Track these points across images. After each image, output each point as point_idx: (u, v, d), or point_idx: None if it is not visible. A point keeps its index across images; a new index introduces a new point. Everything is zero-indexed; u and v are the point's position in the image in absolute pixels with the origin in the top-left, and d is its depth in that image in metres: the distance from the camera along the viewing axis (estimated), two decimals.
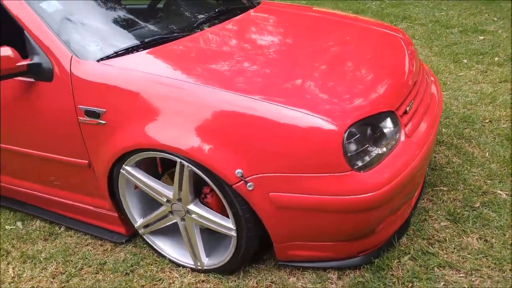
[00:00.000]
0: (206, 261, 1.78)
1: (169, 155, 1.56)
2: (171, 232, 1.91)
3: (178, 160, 1.55)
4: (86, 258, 1.96)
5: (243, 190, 1.49)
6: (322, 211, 1.47)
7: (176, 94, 1.55)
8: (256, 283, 1.72)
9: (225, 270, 1.76)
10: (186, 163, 1.54)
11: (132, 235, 2.02)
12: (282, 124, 1.43)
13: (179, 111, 1.54)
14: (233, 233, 1.61)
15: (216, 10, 2.27)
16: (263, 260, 1.84)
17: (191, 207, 1.68)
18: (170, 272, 1.83)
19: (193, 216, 1.69)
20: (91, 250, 2.01)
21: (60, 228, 2.19)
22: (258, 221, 1.58)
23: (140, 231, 1.89)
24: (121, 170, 1.71)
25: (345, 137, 1.40)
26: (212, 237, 1.83)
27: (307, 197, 1.47)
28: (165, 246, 1.88)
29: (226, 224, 1.62)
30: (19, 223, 2.27)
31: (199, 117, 1.51)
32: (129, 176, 1.72)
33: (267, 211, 1.52)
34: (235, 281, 1.74)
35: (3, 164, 2.17)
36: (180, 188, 1.64)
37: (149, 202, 1.89)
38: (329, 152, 1.40)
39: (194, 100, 1.52)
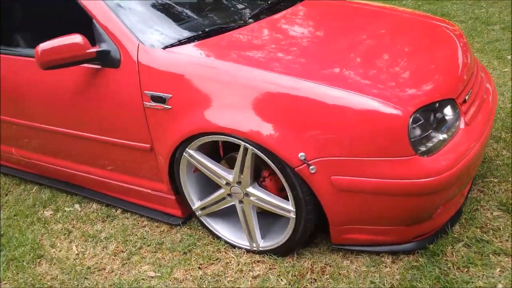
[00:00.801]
0: (262, 243, 1.84)
1: (234, 139, 1.63)
2: (226, 214, 1.98)
3: (242, 143, 1.62)
4: (144, 238, 2.06)
5: (305, 173, 1.55)
6: (384, 194, 1.52)
7: (239, 80, 1.62)
8: (311, 264, 1.78)
9: (279, 252, 1.83)
10: (250, 147, 1.61)
11: (187, 218, 2.11)
12: (345, 108, 1.48)
13: (244, 96, 1.61)
14: (292, 215, 1.67)
15: (269, 2, 2.34)
16: (315, 243, 1.89)
17: (250, 189, 1.74)
18: (226, 252, 1.90)
19: (252, 198, 1.76)
20: (148, 231, 2.11)
21: (116, 211, 2.29)
22: (317, 204, 1.63)
23: (197, 213, 1.97)
24: (184, 154, 1.79)
25: (410, 122, 1.44)
26: (265, 221, 1.89)
27: (370, 180, 1.52)
28: (221, 228, 1.96)
29: (286, 206, 1.68)
30: (77, 205, 2.39)
31: (263, 102, 1.58)
32: (192, 159, 1.80)
33: (328, 194, 1.58)
34: (290, 262, 1.80)
35: (64, 148, 2.29)
36: (241, 171, 1.71)
37: (206, 185, 1.97)
38: (394, 137, 1.45)
39: (257, 85, 1.59)
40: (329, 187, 1.56)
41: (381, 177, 1.50)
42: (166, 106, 1.75)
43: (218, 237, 1.96)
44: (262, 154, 1.61)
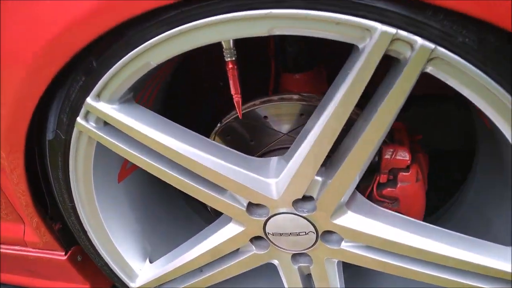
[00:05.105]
0: None
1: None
2: None
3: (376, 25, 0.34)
4: None
5: None
6: None
7: None
8: None
9: None
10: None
11: None
12: None
13: None
14: None
15: None
16: None
17: (350, 218, 0.48)
18: None
19: (346, 246, 0.51)
20: None
21: None
22: None
23: None
24: (79, 120, 0.45)
25: None
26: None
27: None
28: None
29: None
30: None
31: None
32: (109, 139, 0.46)
33: None
34: None
35: None
36: (330, 153, 0.43)
37: (163, 218, 0.67)
38: None
39: None
40: None
41: None
42: None
43: None
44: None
